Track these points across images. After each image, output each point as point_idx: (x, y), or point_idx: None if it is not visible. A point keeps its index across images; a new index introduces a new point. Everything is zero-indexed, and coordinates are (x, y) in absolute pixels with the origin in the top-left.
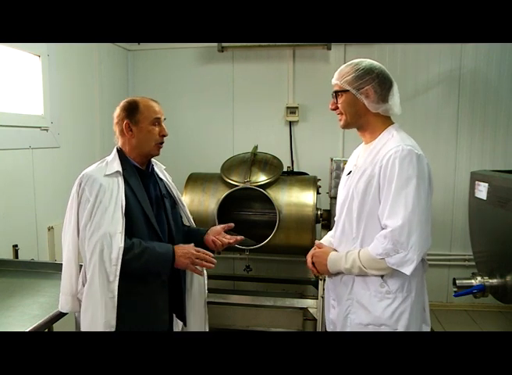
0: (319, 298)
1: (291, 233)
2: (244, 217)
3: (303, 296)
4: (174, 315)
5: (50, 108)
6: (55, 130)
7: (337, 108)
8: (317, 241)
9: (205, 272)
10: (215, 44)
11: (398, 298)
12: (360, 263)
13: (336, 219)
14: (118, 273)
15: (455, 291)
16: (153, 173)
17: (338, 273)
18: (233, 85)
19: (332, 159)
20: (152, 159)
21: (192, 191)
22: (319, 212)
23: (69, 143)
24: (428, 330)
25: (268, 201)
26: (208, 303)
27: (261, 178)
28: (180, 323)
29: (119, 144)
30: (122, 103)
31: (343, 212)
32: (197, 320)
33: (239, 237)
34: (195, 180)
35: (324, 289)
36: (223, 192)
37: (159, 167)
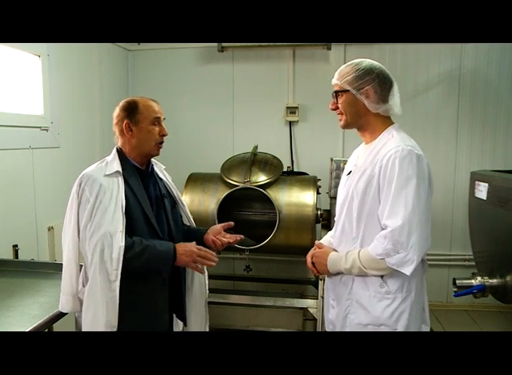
0: (319, 298)
1: (291, 233)
2: (244, 217)
3: (303, 296)
4: (174, 315)
5: (50, 108)
6: (55, 130)
7: (337, 108)
8: (317, 241)
9: (206, 271)
10: (215, 44)
11: (397, 299)
12: (360, 263)
13: (335, 219)
14: (119, 273)
15: (455, 291)
16: (153, 173)
17: (338, 273)
18: (233, 85)
19: (332, 159)
20: (152, 159)
21: (192, 191)
22: (319, 212)
23: (69, 143)
24: (428, 330)
25: (268, 201)
26: (208, 303)
27: (261, 178)
28: (181, 324)
29: (119, 144)
30: (121, 103)
31: (342, 212)
32: (197, 320)
33: (239, 237)
34: (195, 180)
35: (324, 289)
36: (223, 192)
37: (159, 167)
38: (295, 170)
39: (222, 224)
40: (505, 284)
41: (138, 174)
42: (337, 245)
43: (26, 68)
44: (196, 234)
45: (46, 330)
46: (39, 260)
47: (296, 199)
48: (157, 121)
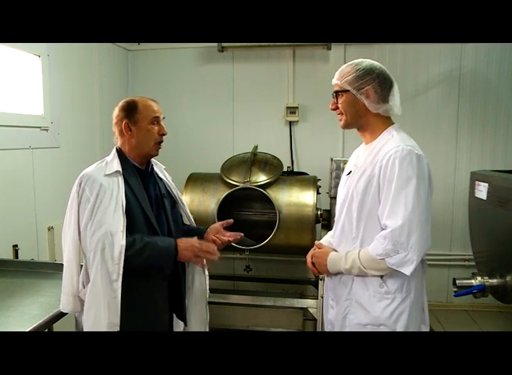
0: (319, 298)
1: (291, 233)
2: (244, 217)
3: (303, 296)
4: (174, 315)
5: (50, 108)
6: (55, 130)
7: (337, 108)
8: (316, 242)
9: (206, 271)
10: (215, 44)
11: (397, 299)
12: (360, 264)
13: (335, 219)
14: (121, 272)
15: (455, 291)
16: (153, 173)
17: (337, 273)
18: (233, 85)
19: (332, 159)
20: (152, 159)
21: (192, 191)
22: (319, 212)
23: (69, 143)
24: (427, 330)
25: (268, 201)
26: (208, 303)
27: (261, 178)
28: (181, 324)
29: (119, 144)
30: (120, 103)
31: (342, 212)
32: (197, 320)
33: (238, 235)
34: (195, 180)
35: (323, 289)
36: (223, 192)
37: (159, 167)
38: (295, 170)
39: (222, 222)
40: (505, 284)
41: (138, 174)
42: (337, 245)
43: (26, 68)
44: (196, 234)
45: (46, 330)
46: (39, 260)
47: (296, 199)
48: (156, 120)
